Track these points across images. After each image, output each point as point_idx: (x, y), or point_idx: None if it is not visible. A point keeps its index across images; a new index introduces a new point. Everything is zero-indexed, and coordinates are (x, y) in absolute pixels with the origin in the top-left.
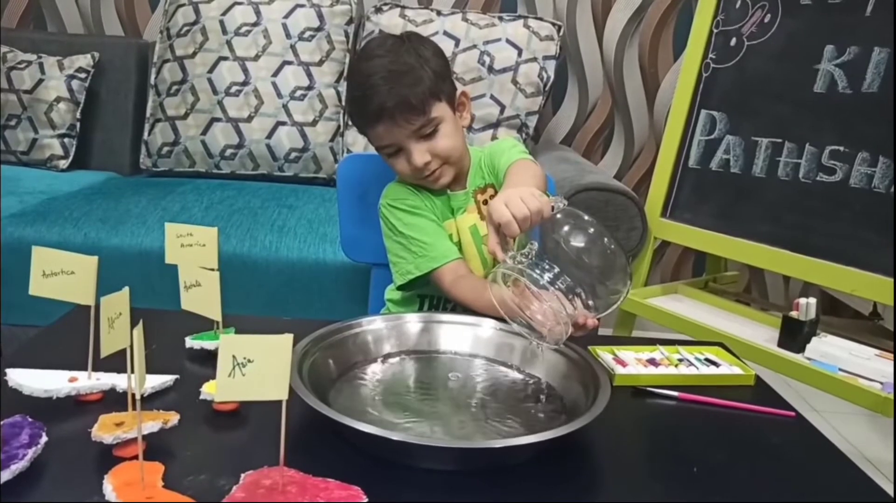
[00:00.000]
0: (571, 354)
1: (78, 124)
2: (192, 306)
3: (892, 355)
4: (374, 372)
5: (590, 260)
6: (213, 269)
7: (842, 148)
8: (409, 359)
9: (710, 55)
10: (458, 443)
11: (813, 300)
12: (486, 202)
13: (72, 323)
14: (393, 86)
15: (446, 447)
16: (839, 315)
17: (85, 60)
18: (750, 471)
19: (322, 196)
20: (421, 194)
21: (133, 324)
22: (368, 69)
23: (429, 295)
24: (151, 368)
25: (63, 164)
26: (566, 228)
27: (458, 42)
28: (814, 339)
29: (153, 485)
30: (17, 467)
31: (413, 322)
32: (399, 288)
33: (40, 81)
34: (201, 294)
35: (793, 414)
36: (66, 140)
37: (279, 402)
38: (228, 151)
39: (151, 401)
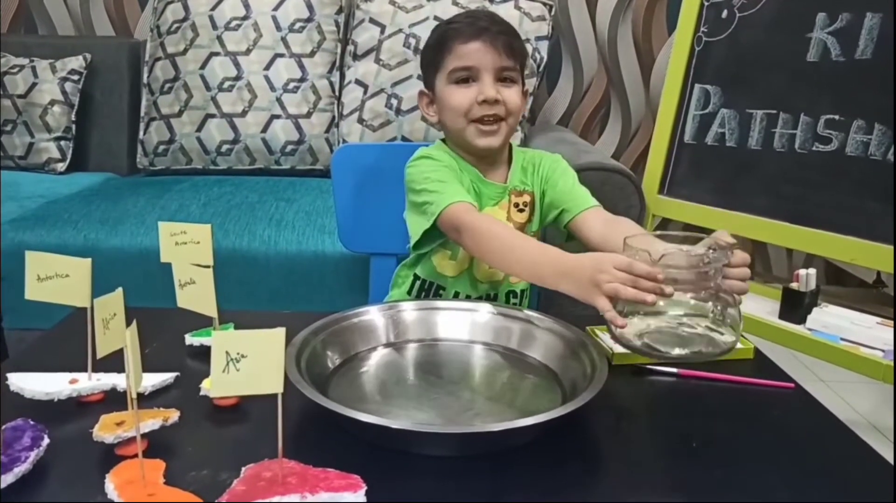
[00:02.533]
0: (569, 335)
1: (73, 126)
2: (187, 304)
3: (893, 323)
4: (373, 361)
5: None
6: (207, 266)
7: (837, 116)
8: (408, 347)
9: (702, 28)
10: (457, 427)
11: (813, 271)
12: (517, 206)
13: (72, 325)
14: (498, 21)
15: (446, 433)
16: (844, 285)
17: (77, 62)
18: (750, 444)
19: (319, 188)
20: (454, 158)
21: (128, 325)
22: (470, 11)
23: (422, 278)
24: (152, 366)
25: (61, 166)
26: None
27: None
28: (815, 310)
29: (154, 482)
30: (19, 470)
31: (410, 310)
32: (415, 245)
33: (34, 85)
34: (196, 291)
35: (792, 385)
36: (62, 143)
37: (278, 395)
38: (224, 147)
39: (153, 399)
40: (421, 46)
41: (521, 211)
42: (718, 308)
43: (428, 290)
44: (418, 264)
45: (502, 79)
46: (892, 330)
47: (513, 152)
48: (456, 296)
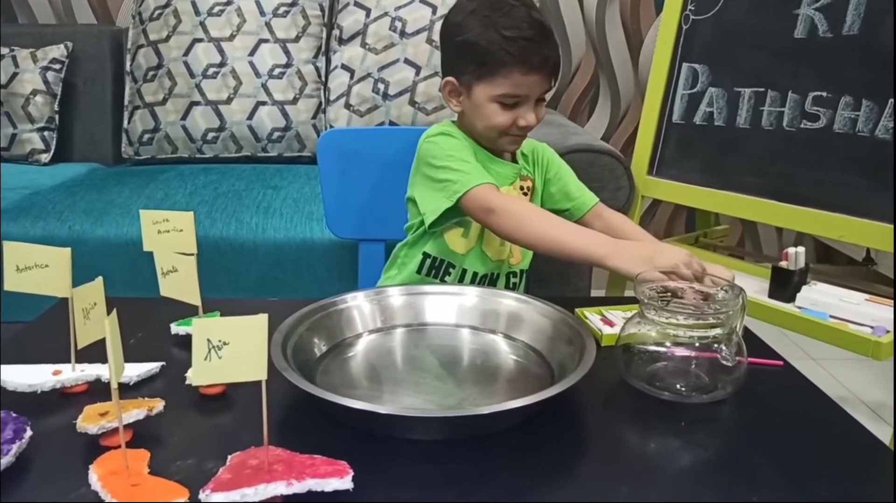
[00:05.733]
0: (557, 317)
1: (57, 117)
2: (170, 292)
3: (883, 299)
4: (361, 347)
5: None
6: (191, 254)
7: (824, 93)
8: (395, 332)
9: (690, 7)
10: (444, 412)
11: (802, 249)
12: (522, 189)
13: (55, 317)
14: (552, 42)
15: (433, 417)
16: (834, 263)
17: (59, 51)
18: (739, 421)
19: (307, 174)
20: (467, 139)
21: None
22: (523, 15)
23: (432, 255)
24: (138, 356)
25: (45, 157)
26: None
27: (434, 9)
28: (804, 288)
29: (138, 472)
30: (1, 462)
31: (396, 296)
32: (432, 224)
33: (14, 75)
34: (179, 279)
35: (780, 363)
36: (45, 133)
37: (267, 382)
38: (210, 135)
39: (138, 388)
40: (407, 30)
41: (525, 194)
42: (731, 349)
43: (438, 268)
44: (428, 242)
45: (540, 99)
46: (880, 306)
47: None
48: (463, 274)
